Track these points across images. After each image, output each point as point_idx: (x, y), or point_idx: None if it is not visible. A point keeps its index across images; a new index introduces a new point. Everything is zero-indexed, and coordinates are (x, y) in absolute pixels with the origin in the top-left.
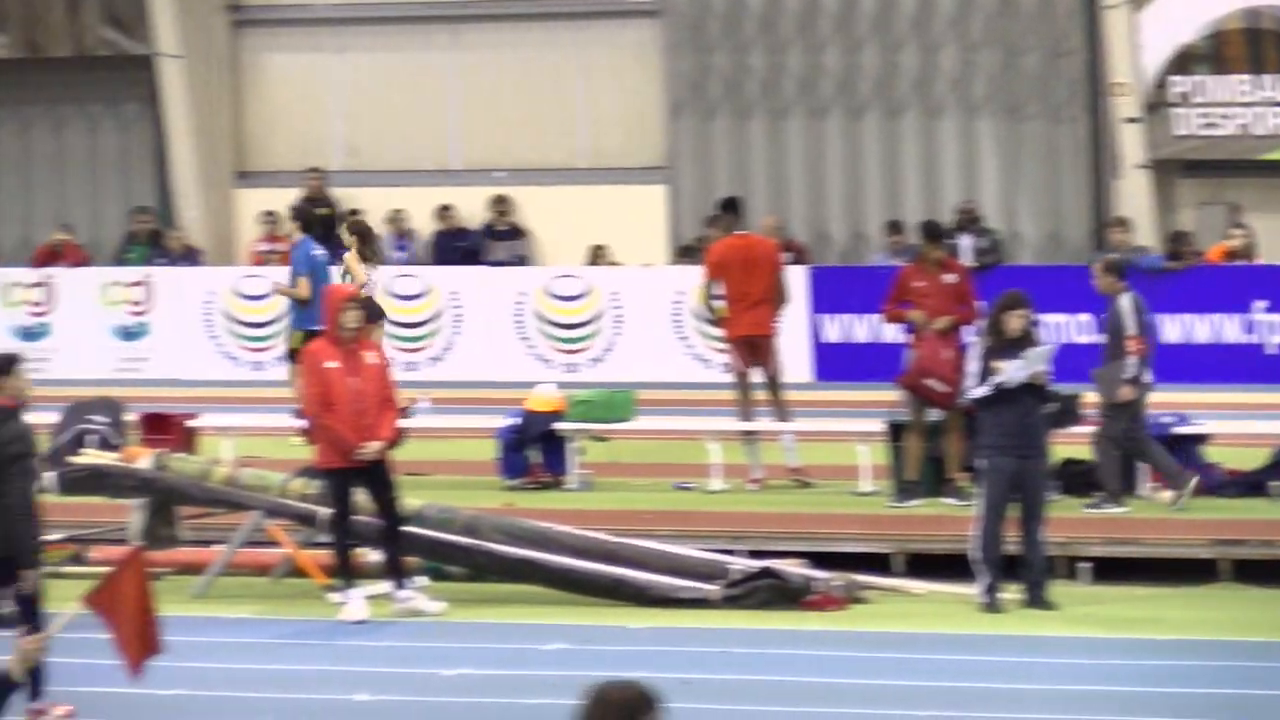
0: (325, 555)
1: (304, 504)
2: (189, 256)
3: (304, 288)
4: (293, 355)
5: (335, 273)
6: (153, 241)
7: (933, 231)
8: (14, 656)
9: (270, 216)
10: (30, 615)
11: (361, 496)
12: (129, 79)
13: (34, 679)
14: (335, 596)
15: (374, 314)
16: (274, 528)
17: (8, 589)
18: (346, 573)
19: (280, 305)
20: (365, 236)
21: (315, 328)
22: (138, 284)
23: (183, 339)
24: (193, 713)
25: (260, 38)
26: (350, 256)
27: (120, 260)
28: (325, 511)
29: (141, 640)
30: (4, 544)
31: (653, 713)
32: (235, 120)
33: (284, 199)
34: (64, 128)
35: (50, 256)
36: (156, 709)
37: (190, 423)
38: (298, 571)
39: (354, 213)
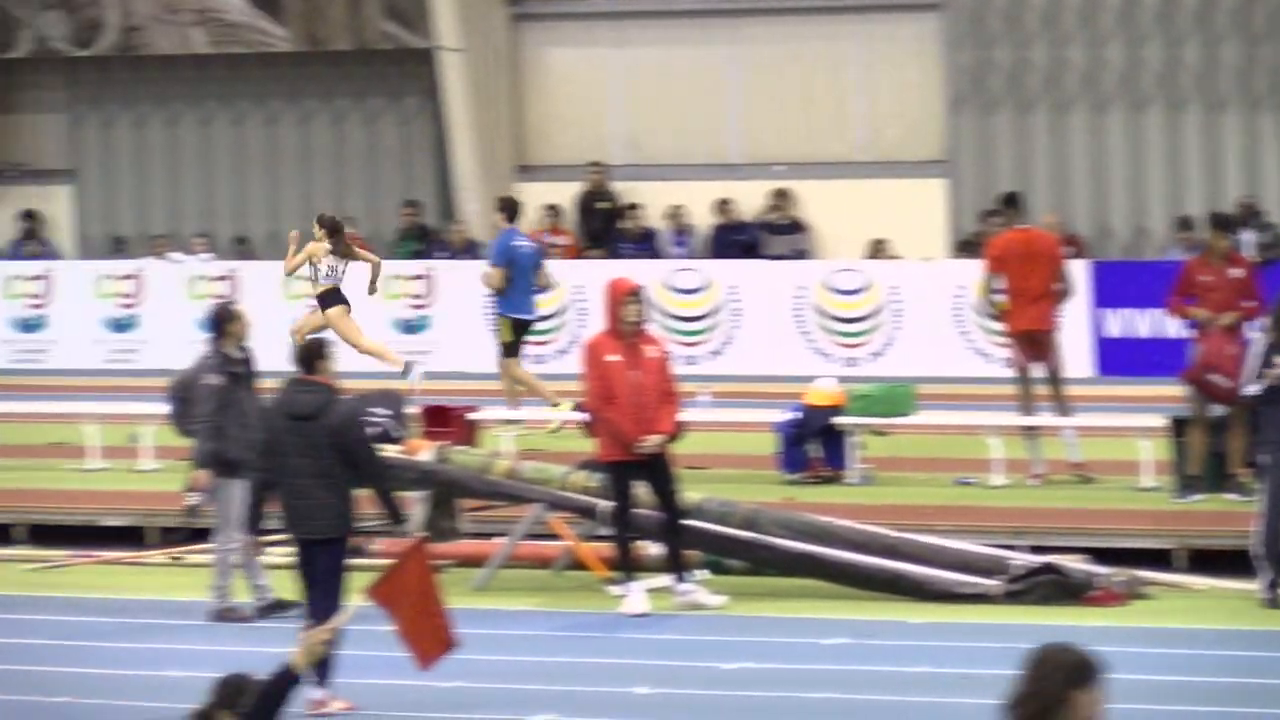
0: (606, 548)
1: (585, 497)
2: (469, 250)
3: (496, 277)
4: (508, 348)
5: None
6: (420, 235)
7: (1222, 222)
8: (299, 649)
9: (552, 210)
10: (331, 600)
11: (642, 490)
12: (409, 73)
13: (320, 668)
14: (616, 589)
15: (342, 304)
16: (555, 520)
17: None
18: (627, 566)
19: (560, 299)
20: (334, 231)
21: (522, 316)
22: (418, 277)
23: (464, 332)
24: (473, 705)
25: (540, 32)
26: (315, 246)
27: (395, 254)
28: (606, 504)
29: (431, 633)
30: (339, 524)
31: (1095, 678)
32: (515, 114)
33: (565, 193)
34: (343, 121)
35: None
36: (437, 701)
37: (471, 415)
38: (578, 564)
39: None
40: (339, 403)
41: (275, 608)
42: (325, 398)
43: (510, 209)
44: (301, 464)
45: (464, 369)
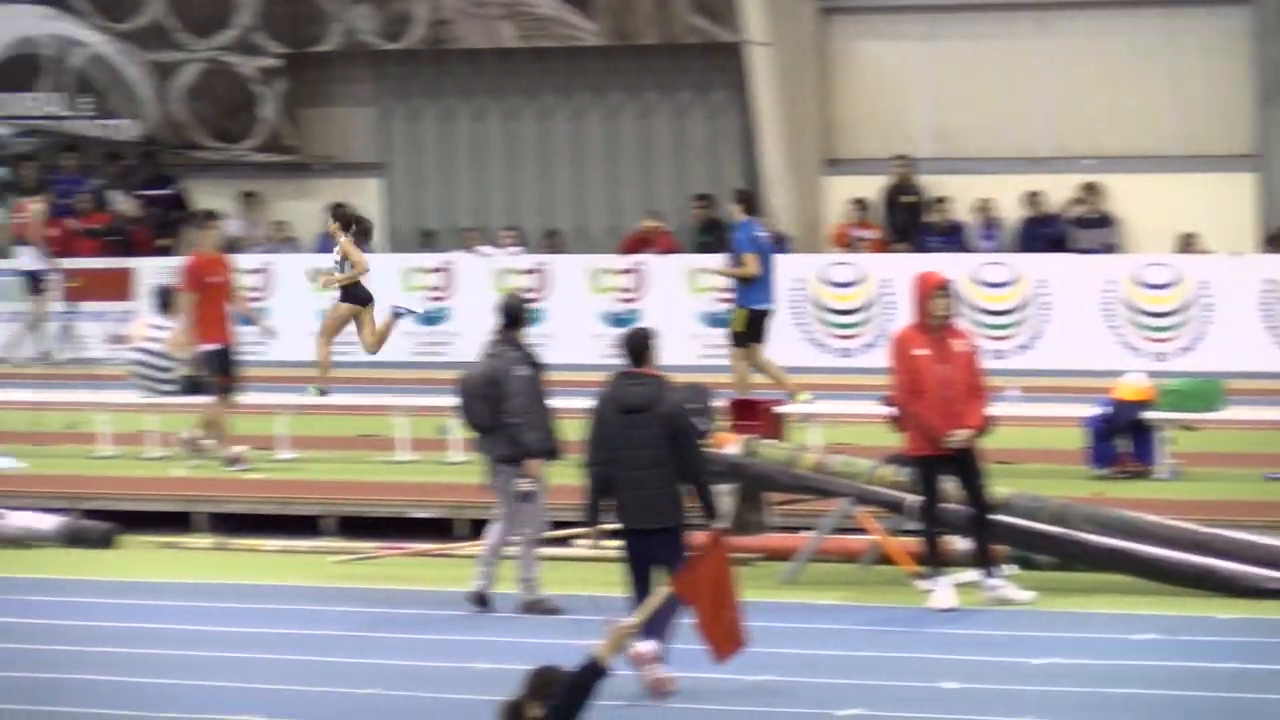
0: (913, 542)
1: (892, 491)
2: (777, 244)
3: (751, 263)
4: (738, 337)
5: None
6: (712, 228)
7: None
8: (605, 641)
9: (859, 204)
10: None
11: (950, 484)
12: (717, 66)
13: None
14: (923, 584)
15: (363, 299)
16: (862, 514)
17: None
18: (935, 560)
19: (867, 293)
20: (348, 224)
21: (760, 307)
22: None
23: (773, 324)
24: (781, 698)
25: (847, 25)
26: (346, 243)
27: (696, 247)
28: (913, 499)
29: (726, 627)
30: (673, 513)
31: None
32: (822, 108)
33: (872, 186)
34: (651, 115)
35: (640, 243)
36: (744, 694)
37: (778, 409)
38: (886, 558)
39: (339, 205)
40: (670, 393)
41: (537, 605)
42: (656, 389)
43: (748, 201)
44: (634, 456)
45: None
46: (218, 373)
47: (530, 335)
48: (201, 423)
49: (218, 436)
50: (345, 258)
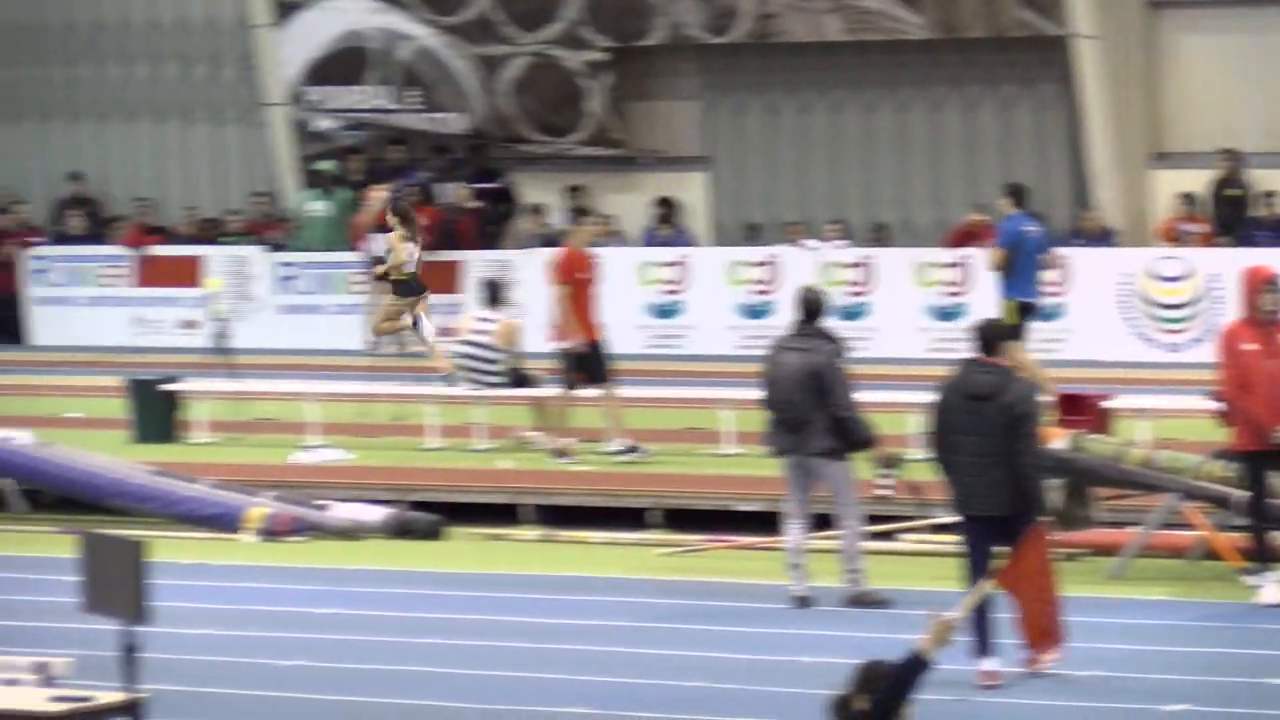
0: (1240, 538)
1: (1220, 486)
2: (1103, 238)
3: (995, 258)
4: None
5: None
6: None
7: None
8: (928, 634)
9: (1187, 199)
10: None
11: (1278, 480)
12: (1043, 60)
13: (981, 640)
14: (1250, 579)
15: (416, 290)
16: (1189, 510)
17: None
18: (1262, 556)
19: (1195, 288)
20: (406, 217)
21: (1025, 299)
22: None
23: (1098, 319)
24: (1107, 694)
25: (1176, 19)
26: (393, 236)
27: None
28: (1241, 494)
29: (1043, 623)
30: (1013, 501)
31: None
32: (1149, 102)
33: (1198, 180)
34: (976, 108)
35: (966, 238)
36: (1070, 689)
37: (1106, 404)
38: (1212, 554)
39: (399, 197)
40: (1016, 383)
41: (864, 598)
42: (1002, 378)
43: (1017, 194)
44: (974, 442)
45: (1098, 357)
46: (575, 369)
47: (830, 326)
48: (546, 417)
49: (551, 429)
50: (390, 249)
